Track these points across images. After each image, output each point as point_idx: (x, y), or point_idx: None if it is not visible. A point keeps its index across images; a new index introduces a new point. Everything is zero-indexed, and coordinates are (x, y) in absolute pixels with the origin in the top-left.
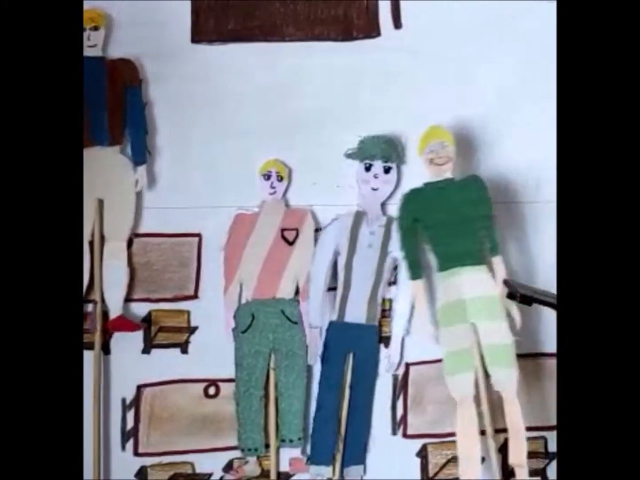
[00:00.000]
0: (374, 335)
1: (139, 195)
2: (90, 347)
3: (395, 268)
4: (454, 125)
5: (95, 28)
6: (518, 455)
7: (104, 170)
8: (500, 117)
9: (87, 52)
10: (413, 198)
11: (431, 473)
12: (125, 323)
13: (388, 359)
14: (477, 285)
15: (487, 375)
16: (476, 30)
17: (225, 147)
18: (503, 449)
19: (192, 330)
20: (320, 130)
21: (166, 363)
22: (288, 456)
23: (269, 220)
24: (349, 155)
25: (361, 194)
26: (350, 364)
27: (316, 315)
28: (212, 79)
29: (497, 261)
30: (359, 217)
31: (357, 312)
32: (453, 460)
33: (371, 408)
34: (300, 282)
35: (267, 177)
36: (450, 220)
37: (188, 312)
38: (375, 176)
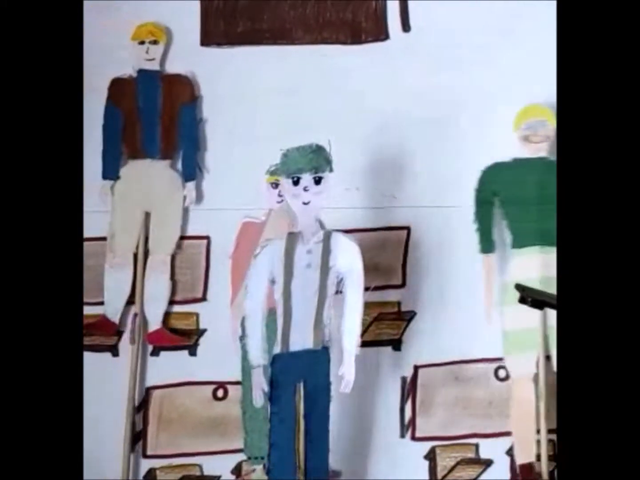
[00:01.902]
0: (326, 358)
1: None
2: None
3: (340, 282)
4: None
5: (155, 42)
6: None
7: (153, 183)
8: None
9: (145, 65)
10: (496, 172)
11: (439, 476)
12: (165, 336)
13: (342, 378)
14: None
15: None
16: (484, 33)
17: (234, 150)
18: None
19: (200, 332)
20: (329, 133)
21: (175, 365)
22: None
23: (277, 228)
24: (272, 172)
25: (292, 211)
26: (302, 393)
27: (256, 353)
28: (221, 81)
29: None
30: (292, 238)
31: (302, 339)
32: (462, 463)
33: (328, 435)
34: None
35: (275, 185)
36: (536, 198)
37: (197, 315)
38: (305, 189)
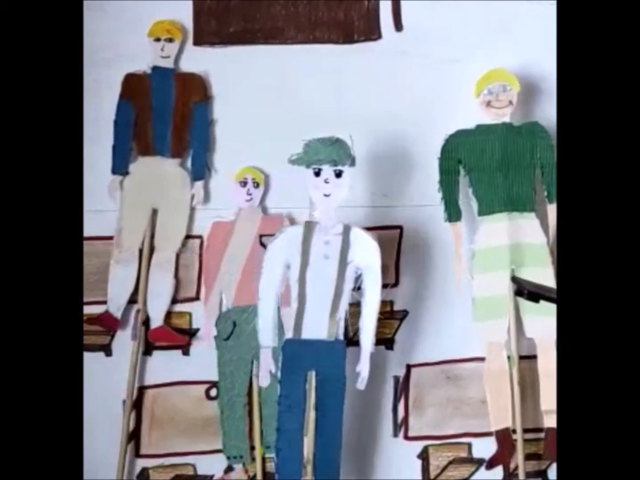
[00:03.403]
0: (341, 351)
1: None
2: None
3: (359, 277)
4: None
5: (170, 40)
6: (551, 401)
7: (162, 180)
8: None
9: (159, 62)
10: (459, 140)
11: (432, 475)
12: (167, 334)
13: (359, 375)
14: (523, 232)
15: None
16: (478, 32)
17: (223, 149)
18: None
19: (193, 332)
20: (320, 132)
21: (168, 365)
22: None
23: (246, 227)
24: (293, 161)
25: (312, 201)
26: (314, 383)
27: (266, 334)
28: (213, 81)
29: (554, 208)
30: (309, 227)
31: (316, 328)
32: (454, 462)
33: (340, 428)
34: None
35: (243, 184)
36: (501, 164)
37: (189, 314)
38: (326, 181)
